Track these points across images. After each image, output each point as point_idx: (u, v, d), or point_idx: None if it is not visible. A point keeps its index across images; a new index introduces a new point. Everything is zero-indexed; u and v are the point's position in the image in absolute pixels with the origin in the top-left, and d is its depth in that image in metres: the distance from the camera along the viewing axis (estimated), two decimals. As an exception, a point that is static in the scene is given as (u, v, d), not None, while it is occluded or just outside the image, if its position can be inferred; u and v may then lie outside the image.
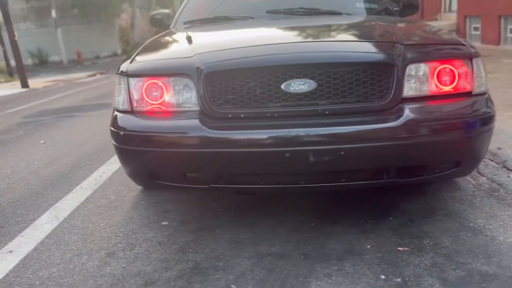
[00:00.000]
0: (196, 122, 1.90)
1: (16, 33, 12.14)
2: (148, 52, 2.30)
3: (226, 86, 1.91)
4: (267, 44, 2.15)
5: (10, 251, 2.14)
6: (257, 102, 1.90)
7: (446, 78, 1.97)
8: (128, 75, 2.05)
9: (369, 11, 3.33)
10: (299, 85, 1.86)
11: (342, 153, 1.81)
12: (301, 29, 2.63)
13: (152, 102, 2.01)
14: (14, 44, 11.98)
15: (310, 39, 2.24)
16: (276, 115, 1.89)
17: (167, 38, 2.72)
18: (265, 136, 1.84)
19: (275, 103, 1.89)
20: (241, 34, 2.58)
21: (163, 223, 2.34)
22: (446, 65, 1.97)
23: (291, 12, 3.15)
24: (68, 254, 2.06)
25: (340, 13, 3.16)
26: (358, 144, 1.81)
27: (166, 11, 3.85)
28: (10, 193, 3.04)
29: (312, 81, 1.87)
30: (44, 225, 2.41)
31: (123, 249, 2.07)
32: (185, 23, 3.34)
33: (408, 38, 2.14)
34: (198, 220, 2.34)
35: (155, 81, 2.00)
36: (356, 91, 1.88)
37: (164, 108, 2.00)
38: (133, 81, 2.02)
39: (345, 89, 1.88)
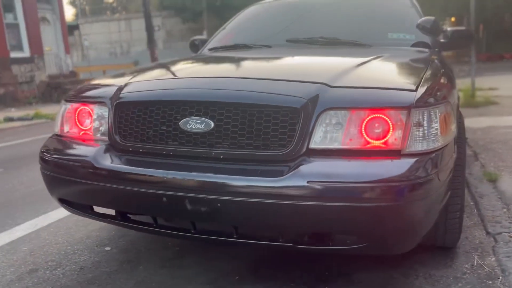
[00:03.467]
0: (92, 151, 1.84)
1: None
2: (111, 77, 2.34)
3: (132, 118, 1.82)
4: (194, 77, 2.02)
5: None
6: (156, 138, 1.76)
7: (371, 130, 1.58)
8: (65, 99, 2.12)
9: (401, 42, 2.92)
10: (196, 124, 1.68)
11: (219, 205, 1.58)
12: (272, 62, 2.42)
13: (81, 128, 2.03)
14: (154, 61, 13.56)
15: (247, 75, 2.01)
16: (171, 153, 1.73)
17: (162, 63, 2.74)
18: (142, 175, 1.70)
19: (173, 141, 1.73)
20: (208, 66, 2.49)
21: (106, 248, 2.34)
22: (373, 115, 1.58)
23: (311, 41, 2.95)
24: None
25: (362, 44, 2.85)
26: (235, 197, 1.56)
27: (203, 37, 3.92)
28: None
29: (210, 121, 1.67)
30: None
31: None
32: (210, 49, 3.36)
33: (347, 79, 1.78)
34: (137, 251, 2.28)
35: (85, 107, 2.02)
36: (256, 136, 1.62)
37: (88, 134, 2.00)
38: (66, 105, 2.08)
39: (243, 132, 1.63)
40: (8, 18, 12.54)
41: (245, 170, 1.60)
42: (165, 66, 2.35)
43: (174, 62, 2.45)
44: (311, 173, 1.52)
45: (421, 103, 1.61)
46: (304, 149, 1.59)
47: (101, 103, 1.94)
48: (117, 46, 27.85)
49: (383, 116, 1.59)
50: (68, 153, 1.95)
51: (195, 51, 3.69)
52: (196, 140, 1.70)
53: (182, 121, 1.71)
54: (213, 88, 1.77)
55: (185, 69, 2.38)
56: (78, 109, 2.03)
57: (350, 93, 1.68)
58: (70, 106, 2.06)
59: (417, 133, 1.58)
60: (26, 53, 13.06)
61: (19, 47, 12.92)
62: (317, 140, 1.60)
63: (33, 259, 2.24)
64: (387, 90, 1.69)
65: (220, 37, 3.60)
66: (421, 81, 1.76)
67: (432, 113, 1.63)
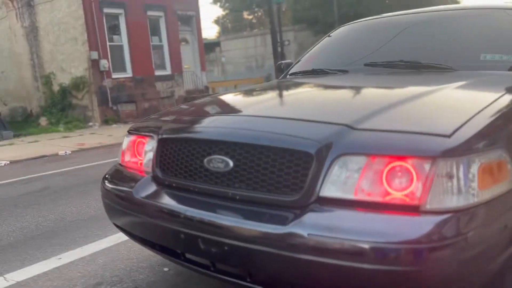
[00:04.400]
0: (137, 181, 1.98)
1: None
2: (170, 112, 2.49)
3: (169, 153, 1.91)
4: (224, 115, 2.08)
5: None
6: (186, 174, 1.83)
7: (389, 181, 1.40)
8: (128, 130, 2.32)
9: (495, 65, 2.55)
10: (218, 163, 1.70)
11: (226, 248, 1.56)
12: (323, 94, 2.31)
13: (136, 158, 2.20)
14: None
15: (275, 113, 1.94)
16: (196, 190, 1.78)
17: (215, 97, 2.75)
18: (165, 209, 1.77)
19: (199, 178, 1.78)
20: (251, 100, 2.49)
21: (165, 269, 2.49)
22: (392, 163, 1.41)
23: (390, 65, 2.77)
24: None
25: (445, 68, 2.58)
26: (242, 243, 1.52)
27: (289, 61, 3.93)
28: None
29: (230, 161, 1.67)
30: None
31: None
32: (290, 74, 3.37)
33: (378, 119, 1.60)
34: (190, 275, 2.38)
35: (141, 139, 2.19)
36: (270, 178, 1.57)
37: (140, 166, 2.16)
38: (128, 137, 2.27)
39: (258, 174, 1.60)
40: (154, 40, 14.16)
41: (255, 214, 1.57)
42: (215, 100, 2.44)
43: (225, 95, 2.52)
44: (314, 224, 1.42)
45: (453, 151, 1.38)
46: (314, 197, 1.49)
47: (151, 136, 2.09)
48: (252, 60, 29.32)
49: (404, 165, 1.41)
50: (120, 182, 2.14)
51: (281, 73, 3.72)
52: (218, 178, 1.72)
53: (206, 159, 1.75)
54: (235, 128, 1.78)
55: (226, 105, 2.41)
56: (136, 141, 2.21)
57: (371, 137, 1.52)
58: (131, 137, 2.25)
59: (444, 187, 1.36)
60: (168, 71, 14.58)
61: (162, 66, 14.48)
62: (329, 188, 1.48)
63: (102, 272, 2.50)
64: (415, 135, 1.48)
65: (303, 61, 3.56)
66: (466, 121, 1.52)
67: (467, 163, 1.39)
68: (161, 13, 14.17)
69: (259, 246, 1.49)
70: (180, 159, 1.86)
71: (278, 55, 14.86)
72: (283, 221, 1.48)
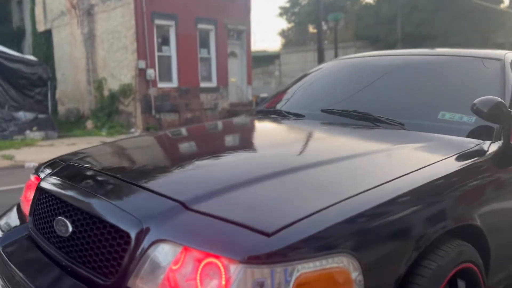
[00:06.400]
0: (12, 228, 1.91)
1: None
2: None
3: (40, 205, 1.82)
4: (90, 170, 1.90)
5: None
6: (44, 232, 1.72)
7: (201, 281, 1.20)
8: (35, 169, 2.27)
9: (452, 127, 2.23)
10: (61, 226, 1.58)
11: None
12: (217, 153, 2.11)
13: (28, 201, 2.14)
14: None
15: (132, 177, 1.73)
16: (47, 252, 1.66)
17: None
18: (10, 271, 1.65)
19: (51, 239, 1.66)
20: (145, 153, 2.30)
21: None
22: (206, 260, 1.21)
23: (344, 114, 2.55)
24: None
25: (396, 125, 2.32)
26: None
27: (265, 95, 3.76)
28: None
29: (70, 226, 1.55)
30: None
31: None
32: (257, 112, 3.23)
33: (217, 200, 1.39)
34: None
35: (35, 181, 2.13)
36: (96, 254, 1.42)
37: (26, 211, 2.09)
38: (31, 175, 2.22)
39: (88, 247, 1.46)
40: (203, 53, 14.40)
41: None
42: (111, 149, 2.33)
43: (130, 142, 2.42)
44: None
45: (268, 255, 1.16)
46: (124, 286, 1.32)
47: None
48: (310, 75, 29.03)
49: (216, 265, 1.21)
50: (6, 218, 2.09)
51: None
52: (60, 243, 1.59)
53: (55, 219, 1.63)
54: (83, 188, 1.65)
55: (106, 157, 2.23)
56: (30, 181, 2.15)
57: (193, 222, 1.32)
58: (31, 176, 2.19)
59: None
60: (213, 83, 14.75)
61: (208, 78, 14.67)
62: (139, 278, 1.30)
63: None
64: (237, 228, 1.26)
65: (276, 97, 3.38)
66: (311, 214, 1.29)
67: (283, 272, 1.16)
68: (211, 27, 14.39)
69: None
70: (43, 214, 1.76)
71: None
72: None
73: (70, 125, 13.88)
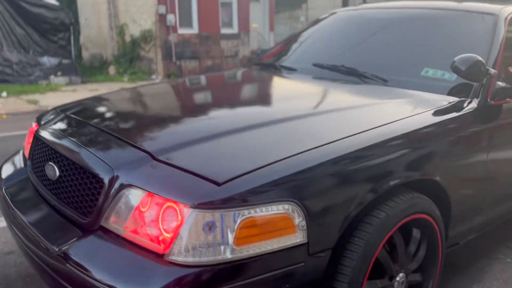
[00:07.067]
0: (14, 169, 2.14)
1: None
2: None
3: (36, 150, 2.01)
4: (82, 120, 2.05)
5: None
6: (38, 174, 1.92)
7: (153, 223, 1.38)
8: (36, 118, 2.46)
9: (434, 84, 2.27)
10: (51, 171, 1.76)
11: (32, 260, 1.66)
12: (205, 101, 2.23)
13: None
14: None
15: (113, 127, 1.94)
16: (39, 192, 1.87)
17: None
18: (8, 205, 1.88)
19: (42, 181, 1.85)
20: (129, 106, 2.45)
21: None
22: (165, 205, 1.37)
23: (335, 69, 2.62)
24: None
25: (379, 81, 2.38)
26: (34, 253, 1.60)
27: (266, 48, 3.80)
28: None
29: (57, 170, 1.73)
30: None
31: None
32: (255, 64, 3.31)
33: (183, 152, 1.54)
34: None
35: (34, 128, 2.32)
36: (77, 196, 1.61)
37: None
38: (32, 123, 2.40)
39: (71, 189, 1.64)
40: (223, -3, 14.13)
41: (55, 228, 1.62)
42: (105, 100, 2.46)
43: (130, 93, 2.54)
44: (78, 253, 1.46)
45: (215, 203, 1.31)
46: (97, 225, 1.51)
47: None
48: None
49: (172, 209, 1.37)
50: (9, 163, 2.31)
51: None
52: (50, 185, 1.78)
53: (46, 164, 1.81)
54: (69, 138, 1.82)
55: (98, 109, 2.34)
56: (31, 128, 2.34)
57: (157, 171, 1.48)
58: (32, 123, 2.38)
59: (195, 239, 1.31)
60: (234, 29, 14.56)
61: (229, 24, 14.48)
62: (110, 218, 1.49)
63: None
64: (192, 177, 1.41)
65: (274, 50, 3.43)
66: (263, 166, 1.43)
67: (228, 217, 1.31)
68: (233, -31, 14.02)
69: (42, 261, 1.56)
70: (38, 159, 1.95)
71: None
72: (64, 241, 1.52)
73: (94, 70, 14.12)
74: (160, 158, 1.52)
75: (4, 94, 9.25)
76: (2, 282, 2.31)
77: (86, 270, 1.39)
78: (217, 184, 1.35)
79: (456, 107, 2.07)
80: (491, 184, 2.21)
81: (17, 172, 2.13)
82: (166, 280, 1.28)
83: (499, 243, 2.89)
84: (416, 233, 1.81)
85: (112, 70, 13.30)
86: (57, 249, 1.49)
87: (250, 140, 1.66)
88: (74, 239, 1.50)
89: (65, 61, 11.76)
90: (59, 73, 11.39)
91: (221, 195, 1.33)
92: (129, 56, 13.60)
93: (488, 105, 2.14)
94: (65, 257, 1.45)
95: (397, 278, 1.75)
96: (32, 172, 1.98)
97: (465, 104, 2.11)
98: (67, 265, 1.43)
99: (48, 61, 11.67)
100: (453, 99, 2.13)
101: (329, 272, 1.54)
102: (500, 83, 2.19)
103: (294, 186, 1.41)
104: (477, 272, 2.53)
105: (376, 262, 1.65)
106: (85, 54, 16.63)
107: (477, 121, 2.10)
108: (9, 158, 2.38)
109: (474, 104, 2.11)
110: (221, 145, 1.61)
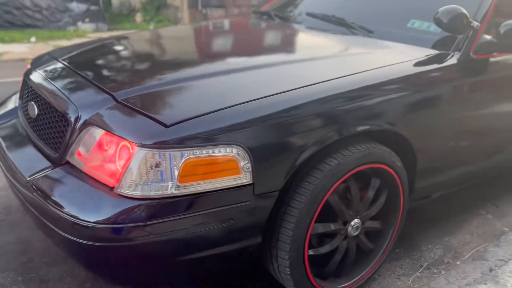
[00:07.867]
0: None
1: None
2: None
3: (24, 89, 2.16)
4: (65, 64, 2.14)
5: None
6: (24, 111, 2.06)
7: (108, 158, 1.50)
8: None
9: (418, 36, 2.24)
10: (31, 110, 1.90)
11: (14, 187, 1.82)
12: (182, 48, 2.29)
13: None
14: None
15: (87, 71, 2.00)
16: (23, 127, 2.02)
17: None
18: None
19: (28, 121, 1.99)
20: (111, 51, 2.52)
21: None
22: (120, 143, 1.49)
23: (326, 19, 2.63)
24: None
25: (366, 32, 2.38)
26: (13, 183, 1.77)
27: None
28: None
29: (36, 109, 1.86)
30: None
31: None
32: (252, 13, 3.32)
33: (143, 95, 1.63)
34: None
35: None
36: (50, 133, 1.75)
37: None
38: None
39: (46, 127, 1.78)
40: None
41: (30, 159, 1.77)
42: (100, 45, 2.55)
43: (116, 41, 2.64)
44: (43, 183, 1.60)
45: (161, 142, 1.41)
46: (64, 160, 1.64)
47: None
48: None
49: (124, 147, 1.48)
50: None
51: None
52: (31, 123, 1.93)
53: (28, 103, 1.95)
54: (48, 79, 1.94)
55: (85, 56, 2.36)
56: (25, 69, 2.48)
57: (116, 113, 1.57)
58: (27, 64, 2.51)
59: (139, 174, 1.42)
60: (263, -23, 14.17)
61: (258, -29, 14.08)
62: (74, 154, 1.61)
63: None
64: (144, 118, 1.51)
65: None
66: (213, 111, 1.51)
67: (173, 156, 1.41)
68: None
69: (18, 190, 1.72)
70: (25, 99, 2.09)
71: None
72: (35, 172, 1.67)
73: (122, 17, 14.18)
74: (121, 100, 1.61)
75: (33, 39, 9.51)
76: (2, 212, 2.54)
77: (49, 198, 1.53)
78: (165, 125, 1.44)
79: (433, 59, 2.05)
80: (466, 140, 2.20)
81: (11, 111, 2.29)
82: (114, 210, 1.41)
83: (486, 200, 2.90)
84: (374, 182, 1.87)
85: (138, 17, 13.33)
86: (28, 178, 1.64)
87: (215, 85, 1.73)
88: (44, 171, 1.65)
89: (93, 8, 11.87)
90: (87, 20, 11.54)
91: (167, 136, 1.42)
92: (156, 4, 13.55)
93: (470, 59, 2.10)
94: (34, 185, 1.61)
95: (352, 223, 1.83)
96: (21, 110, 2.13)
97: (445, 58, 2.08)
98: (34, 193, 1.58)
99: (77, 7, 11.81)
100: (433, 52, 2.10)
101: (279, 213, 1.63)
102: (487, 36, 2.13)
103: (241, 131, 1.48)
104: (453, 225, 2.58)
105: (329, 207, 1.73)
106: (115, 1, 16.64)
107: (456, 75, 2.07)
108: (8, 97, 2.54)
109: (454, 57, 2.08)
110: (184, 89, 1.69)
